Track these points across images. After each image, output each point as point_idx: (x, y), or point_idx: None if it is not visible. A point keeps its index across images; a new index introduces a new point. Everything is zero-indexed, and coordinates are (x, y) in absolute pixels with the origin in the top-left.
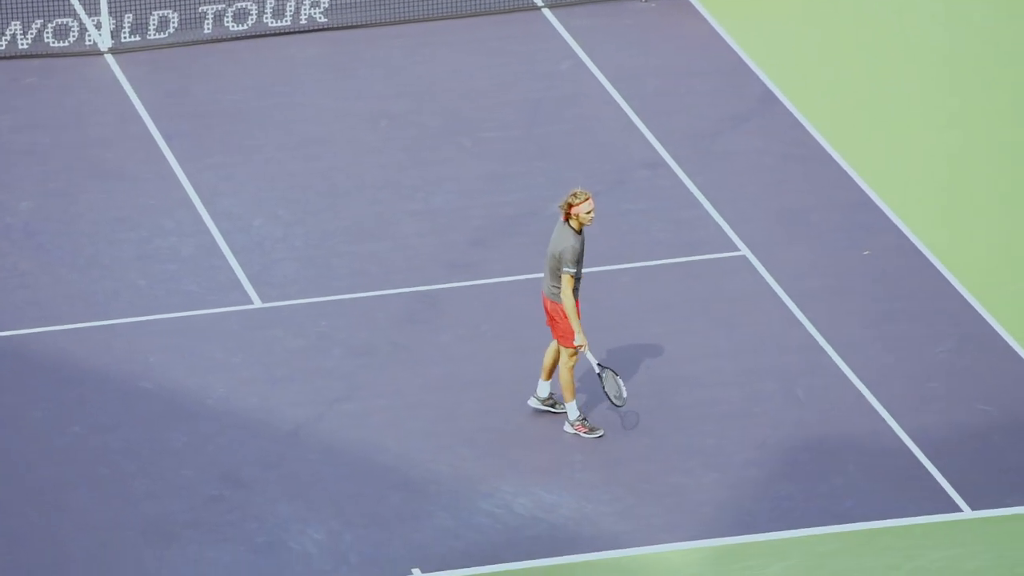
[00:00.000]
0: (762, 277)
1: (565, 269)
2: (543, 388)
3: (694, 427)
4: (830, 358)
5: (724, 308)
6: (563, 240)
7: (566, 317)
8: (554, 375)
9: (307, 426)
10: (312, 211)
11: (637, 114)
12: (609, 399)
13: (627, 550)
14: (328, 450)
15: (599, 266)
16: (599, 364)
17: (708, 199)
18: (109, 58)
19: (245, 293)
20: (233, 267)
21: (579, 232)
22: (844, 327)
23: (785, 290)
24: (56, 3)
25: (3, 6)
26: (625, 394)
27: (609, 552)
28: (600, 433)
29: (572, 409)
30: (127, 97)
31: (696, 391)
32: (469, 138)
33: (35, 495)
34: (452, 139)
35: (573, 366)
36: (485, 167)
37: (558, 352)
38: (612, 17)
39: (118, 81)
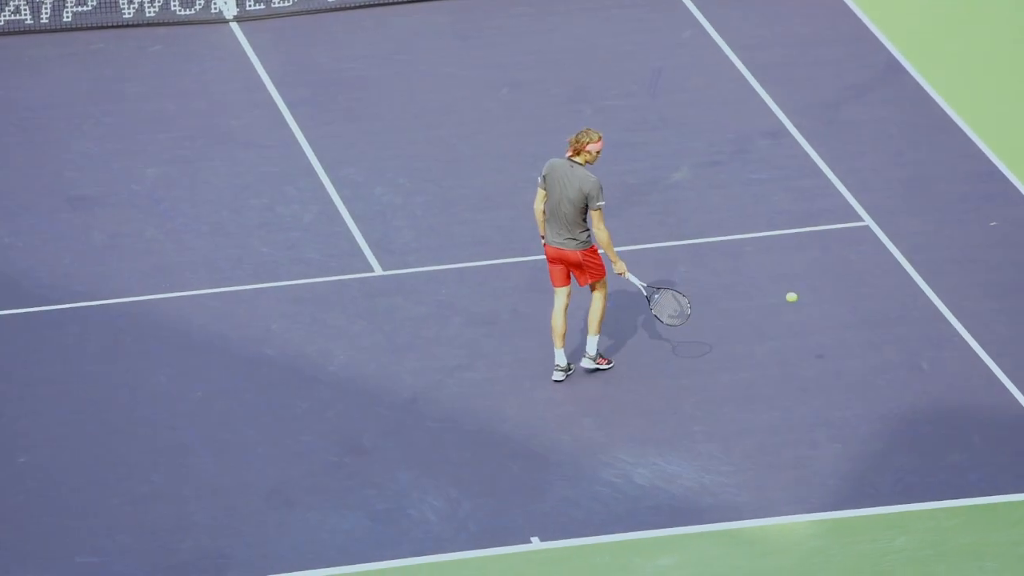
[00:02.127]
0: (886, 247)
1: (600, 204)
2: (562, 356)
3: (817, 398)
4: (955, 330)
5: (847, 278)
6: (585, 178)
7: (597, 256)
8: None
9: (427, 394)
10: (433, 179)
11: (760, 83)
12: (659, 320)
13: (748, 521)
14: (448, 418)
15: (721, 235)
16: (645, 286)
17: (831, 169)
18: (234, 26)
19: (366, 261)
20: (354, 234)
21: None
22: (969, 299)
23: (909, 260)
24: None
25: None
26: (689, 310)
27: (729, 523)
28: (613, 363)
29: (596, 343)
30: (251, 65)
31: (819, 362)
32: (591, 106)
33: (159, 458)
34: (574, 107)
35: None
36: (607, 136)
37: (565, 313)
38: None
39: (242, 49)
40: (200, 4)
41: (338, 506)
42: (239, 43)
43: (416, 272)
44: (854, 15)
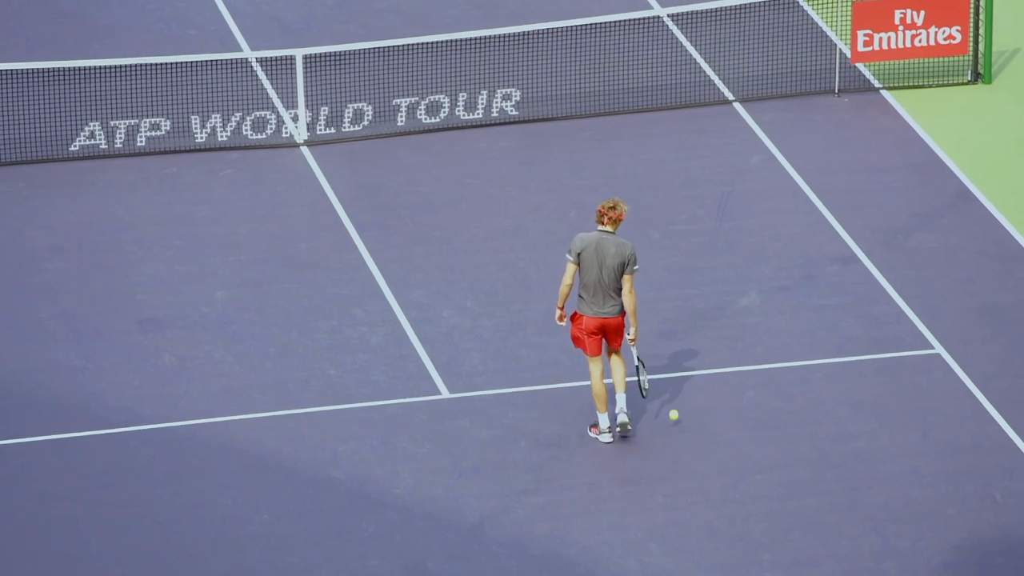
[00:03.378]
0: (956, 375)
1: (636, 268)
2: (606, 419)
3: (888, 527)
4: None
5: (918, 406)
6: (623, 245)
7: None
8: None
9: (493, 518)
10: (501, 302)
11: (828, 209)
12: (641, 390)
13: None
14: (513, 543)
15: (789, 361)
16: (638, 357)
17: (901, 296)
18: (304, 150)
19: (433, 383)
20: (422, 357)
21: None
22: None
23: (980, 389)
24: (255, 97)
25: (205, 100)
26: (647, 386)
27: None
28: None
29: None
30: (321, 188)
31: (890, 490)
32: (658, 230)
33: None
34: (642, 231)
35: None
36: (674, 260)
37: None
38: (804, 112)
39: (313, 172)
40: (271, 128)
41: None
42: (309, 166)
43: (483, 395)
44: (924, 143)
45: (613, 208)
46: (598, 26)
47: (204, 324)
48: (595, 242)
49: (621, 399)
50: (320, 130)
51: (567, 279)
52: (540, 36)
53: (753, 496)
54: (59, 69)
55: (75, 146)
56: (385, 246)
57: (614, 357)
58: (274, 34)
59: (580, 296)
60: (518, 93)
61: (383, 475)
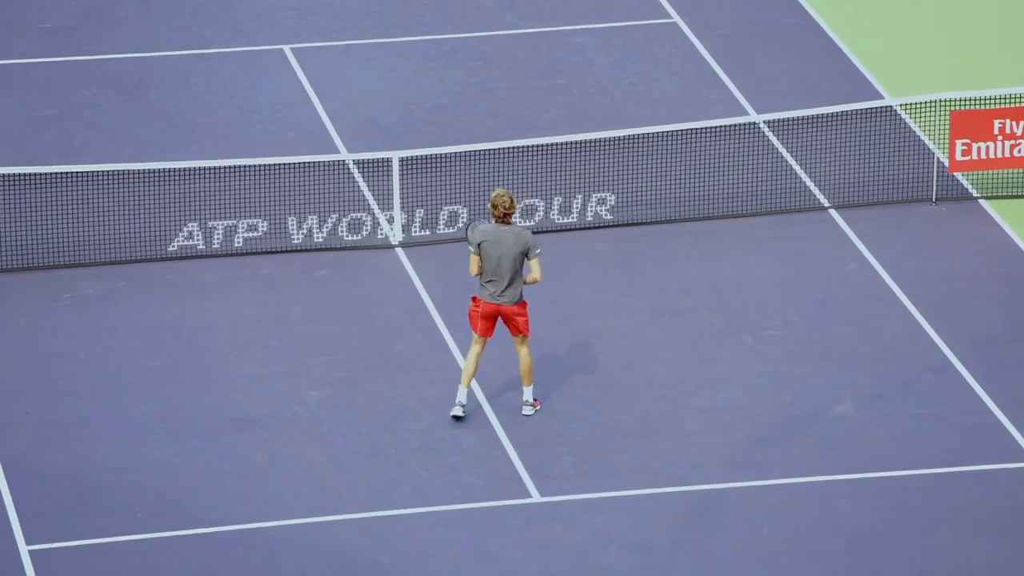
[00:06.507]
0: None
1: (539, 252)
2: (465, 395)
3: None
4: None
5: (1018, 520)
6: (521, 233)
7: (525, 308)
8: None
9: None
10: (593, 405)
11: (924, 317)
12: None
13: None
14: None
15: (885, 471)
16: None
17: (999, 407)
18: (399, 251)
19: (524, 487)
20: (513, 460)
21: None
22: None
23: None
24: (352, 199)
25: (302, 202)
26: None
27: None
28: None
29: (531, 390)
30: (415, 289)
31: None
32: (752, 335)
33: None
34: (736, 336)
35: None
36: (769, 366)
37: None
38: (900, 220)
39: (407, 273)
40: (367, 230)
41: None
42: (404, 268)
43: (574, 499)
44: (1022, 252)
45: (507, 205)
46: (693, 131)
47: (297, 423)
48: (493, 232)
49: (526, 391)
50: (415, 232)
51: (471, 269)
52: (635, 141)
53: None
54: (160, 170)
55: (174, 246)
56: (489, 353)
57: (519, 348)
58: (372, 136)
59: (480, 283)
60: (613, 197)
61: None
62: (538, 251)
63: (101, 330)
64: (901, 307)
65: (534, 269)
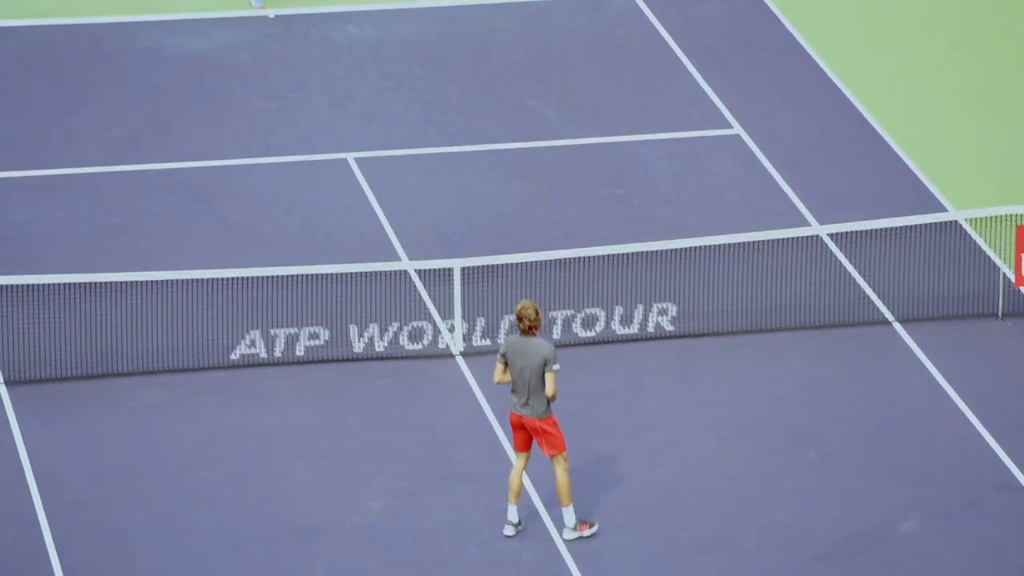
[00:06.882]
0: None
1: (556, 367)
2: (515, 513)
3: None
4: None
5: None
6: (542, 345)
7: (556, 425)
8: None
9: None
10: (653, 519)
11: (991, 434)
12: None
13: None
14: None
15: None
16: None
17: None
18: (460, 360)
19: None
20: (573, 573)
21: None
22: None
23: None
24: (413, 308)
25: (364, 311)
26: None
27: None
28: (596, 527)
29: (573, 512)
30: (476, 399)
31: None
32: (816, 450)
33: None
34: (798, 451)
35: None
36: (832, 482)
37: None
38: (966, 335)
39: (468, 383)
40: (428, 339)
41: None
42: (464, 377)
43: None
44: None
45: (534, 317)
46: (755, 243)
47: (356, 534)
48: (518, 344)
49: (565, 514)
50: (476, 341)
51: (496, 377)
52: (696, 252)
53: None
54: (222, 278)
55: (235, 354)
56: (537, 459)
57: (554, 468)
58: (433, 245)
59: (511, 393)
60: (674, 308)
61: None
62: (556, 367)
63: (162, 439)
64: (967, 423)
65: (548, 384)
